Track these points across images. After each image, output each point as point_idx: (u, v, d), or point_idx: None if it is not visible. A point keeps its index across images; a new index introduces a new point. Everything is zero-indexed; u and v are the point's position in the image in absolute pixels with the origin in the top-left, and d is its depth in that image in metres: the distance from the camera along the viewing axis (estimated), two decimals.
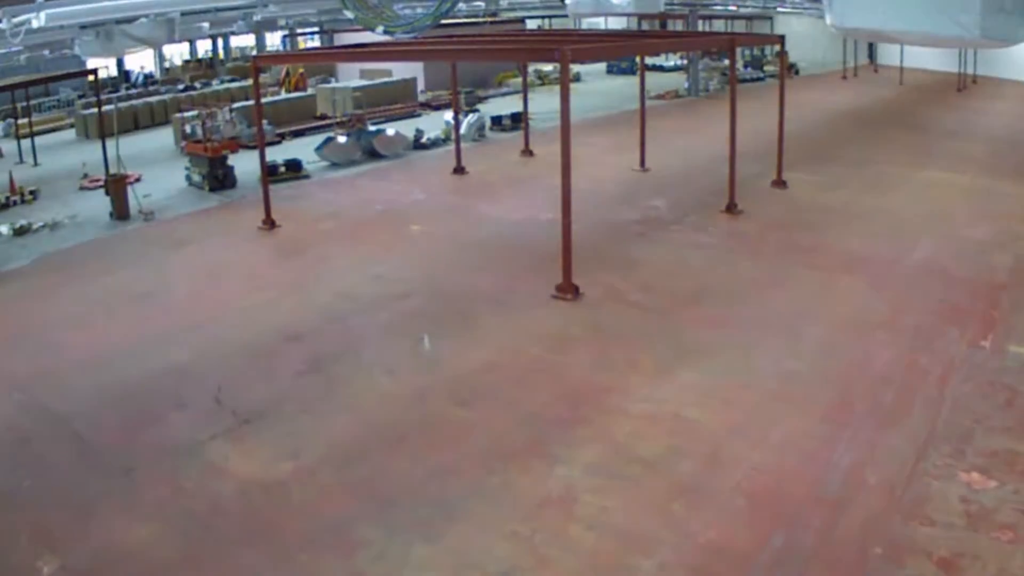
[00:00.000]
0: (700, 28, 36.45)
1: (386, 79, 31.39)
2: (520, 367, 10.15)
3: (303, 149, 22.77)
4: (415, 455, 8.29)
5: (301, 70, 32.00)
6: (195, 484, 7.92)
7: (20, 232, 16.32)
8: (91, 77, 22.77)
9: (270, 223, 16.24)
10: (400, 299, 12.39)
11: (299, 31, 31.44)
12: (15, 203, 18.77)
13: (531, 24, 40.60)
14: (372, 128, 24.01)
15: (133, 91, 34.64)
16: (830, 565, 6.62)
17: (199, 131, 20.53)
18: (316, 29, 30.40)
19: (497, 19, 35.64)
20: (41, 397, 9.71)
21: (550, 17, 37.84)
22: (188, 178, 19.95)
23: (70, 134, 28.84)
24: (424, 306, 12.09)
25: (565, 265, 12.32)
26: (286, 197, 18.22)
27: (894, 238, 14.51)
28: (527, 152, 22.46)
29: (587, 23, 29.14)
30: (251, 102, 19.89)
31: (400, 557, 6.83)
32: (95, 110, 22.18)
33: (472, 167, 20.95)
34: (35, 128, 26.25)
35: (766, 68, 39.54)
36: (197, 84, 34.98)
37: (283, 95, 30.77)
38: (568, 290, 12.22)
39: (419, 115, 29.31)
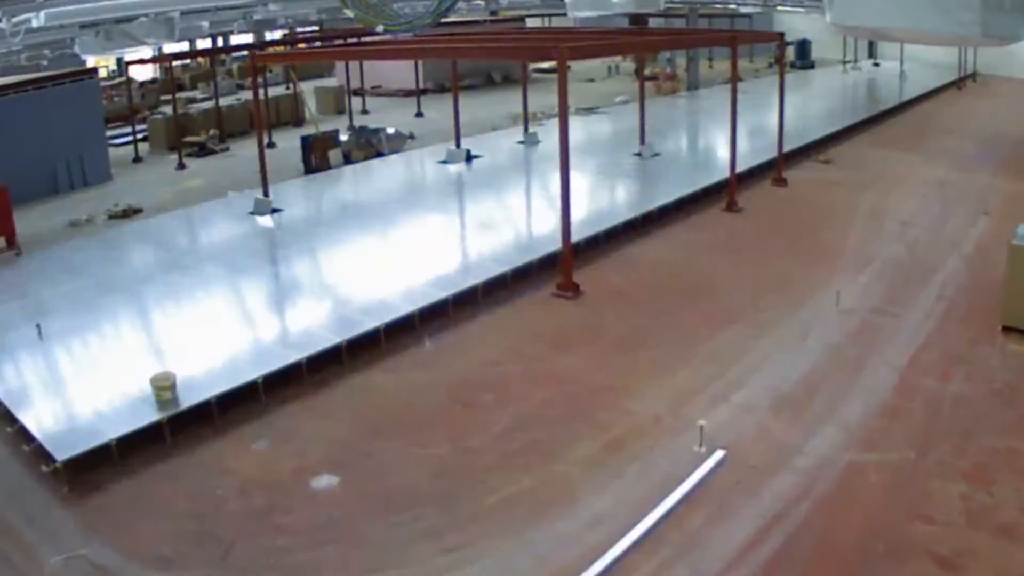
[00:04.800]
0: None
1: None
2: (521, 366, 10.15)
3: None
4: (414, 454, 8.31)
5: None
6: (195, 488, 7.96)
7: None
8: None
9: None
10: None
11: (299, 30, 31.37)
12: None
13: (532, 22, 40.54)
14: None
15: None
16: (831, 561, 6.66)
17: None
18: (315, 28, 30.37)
19: (497, 18, 35.62)
20: None
21: (550, 15, 37.78)
22: None
23: None
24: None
25: (565, 263, 12.33)
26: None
27: (892, 234, 14.53)
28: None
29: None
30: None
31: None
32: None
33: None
34: None
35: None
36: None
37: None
38: (569, 288, 12.23)
39: None
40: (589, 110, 27.95)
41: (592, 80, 37.66)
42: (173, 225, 16.77)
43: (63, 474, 7.82)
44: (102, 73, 29.26)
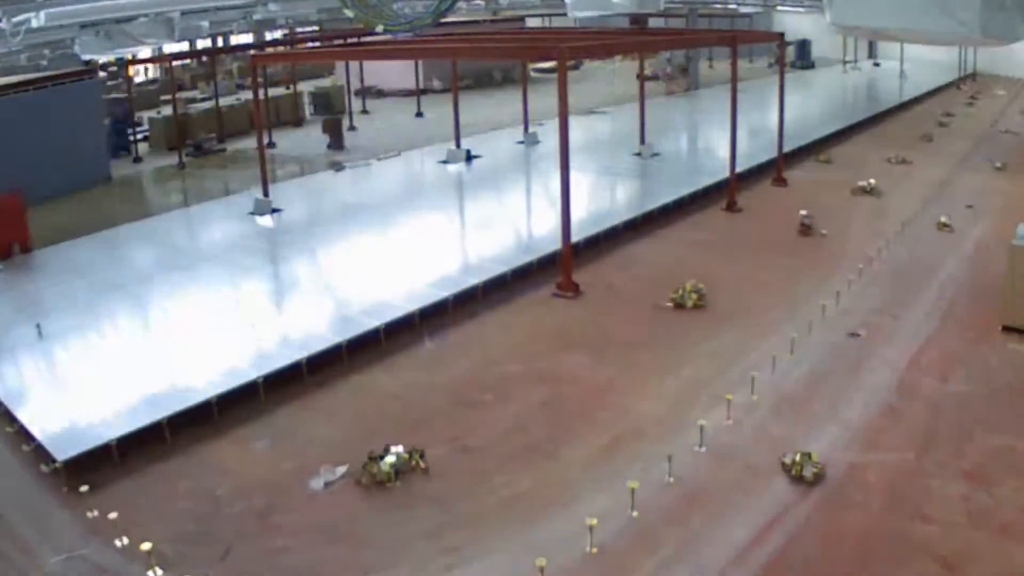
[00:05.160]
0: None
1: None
2: (521, 365, 10.15)
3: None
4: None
5: None
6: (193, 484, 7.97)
7: None
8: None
9: None
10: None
11: (299, 30, 31.44)
12: None
13: (532, 22, 40.55)
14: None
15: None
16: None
17: None
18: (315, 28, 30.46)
19: (497, 18, 35.62)
20: None
21: (550, 15, 37.83)
22: None
23: None
24: None
25: (565, 263, 12.33)
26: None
27: (892, 234, 14.54)
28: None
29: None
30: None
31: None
32: None
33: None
34: None
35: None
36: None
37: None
38: (569, 288, 12.23)
39: None
40: (589, 111, 27.97)
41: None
42: (173, 225, 16.78)
43: (63, 474, 7.82)
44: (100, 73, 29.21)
